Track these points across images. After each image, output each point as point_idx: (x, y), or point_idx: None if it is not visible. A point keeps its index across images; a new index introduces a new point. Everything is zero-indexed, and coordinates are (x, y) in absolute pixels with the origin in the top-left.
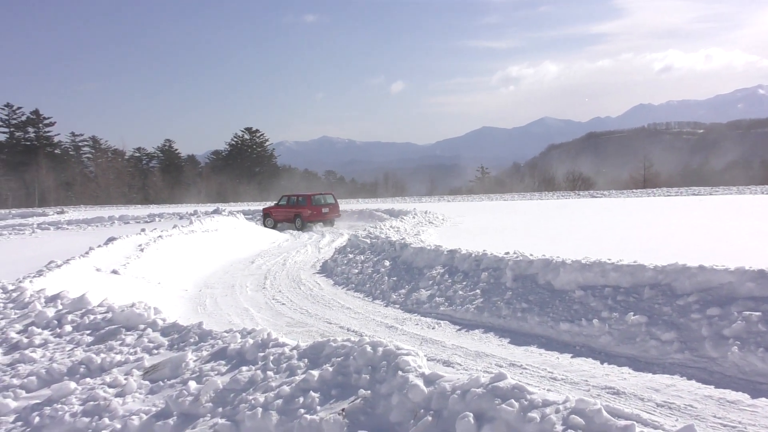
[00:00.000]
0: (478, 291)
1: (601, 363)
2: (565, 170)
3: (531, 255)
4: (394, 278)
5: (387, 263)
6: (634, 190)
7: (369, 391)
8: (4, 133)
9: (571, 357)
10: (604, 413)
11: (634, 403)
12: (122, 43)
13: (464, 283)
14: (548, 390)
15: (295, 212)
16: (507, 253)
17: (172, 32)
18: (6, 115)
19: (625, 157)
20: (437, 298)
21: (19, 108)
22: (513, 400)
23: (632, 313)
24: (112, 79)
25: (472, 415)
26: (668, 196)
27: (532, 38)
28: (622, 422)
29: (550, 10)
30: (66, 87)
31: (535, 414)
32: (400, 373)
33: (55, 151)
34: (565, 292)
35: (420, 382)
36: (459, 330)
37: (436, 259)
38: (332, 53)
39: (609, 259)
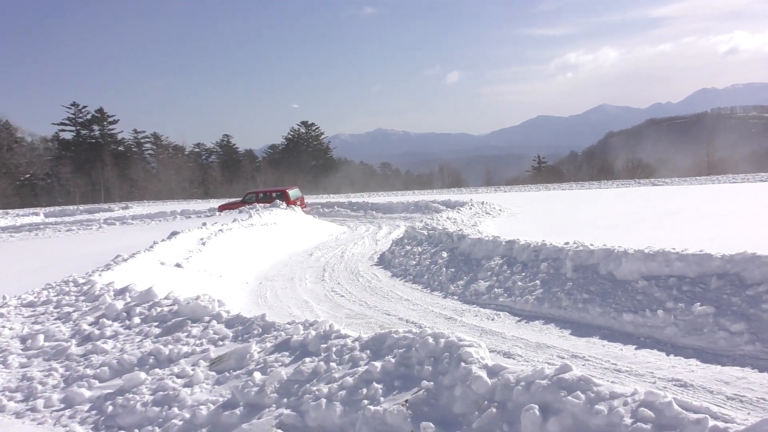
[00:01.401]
0: (537, 282)
1: (667, 355)
2: (625, 158)
3: (591, 245)
4: (452, 269)
5: (444, 254)
6: (698, 177)
7: (432, 383)
8: (71, 131)
9: (636, 348)
10: (675, 406)
11: (702, 396)
12: (182, 40)
13: (523, 273)
14: (612, 382)
15: None
16: (566, 243)
17: (230, 28)
18: (72, 114)
19: (687, 143)
20: (496, 289)
21: (84, 107)
22: (579, 392)
23: (699, 303)
24: (172, 75)
25: (537, 407)
26: (734, 182)
27: (590, 24)
28: (694, 415)
29: None
30: (128, 85)
31: (602, 406)
32: (462, 364)
33: (119, 148)
34: (628, 283)
35: (483, 374)
36: (519, 321)
37: (494, 249)
38: (389, 45)
39: (673, 249)
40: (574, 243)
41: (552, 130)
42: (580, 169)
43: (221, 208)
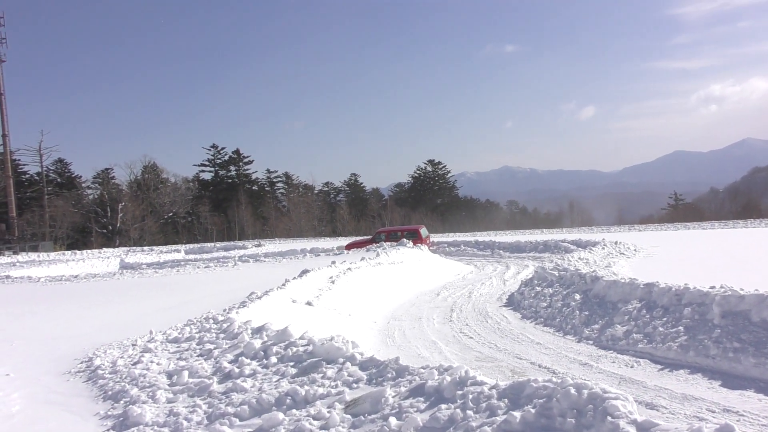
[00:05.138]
0: (680, 328)
1: None
2: None
3: (741, 289)
4: (586, 312)
5: (577, 297)
6: None
7: None
8: (209, 172)
9: None
10: None
11: None
12: (312, 86)
13: (664, 319)
14: None
15: None
16: (712, 287)
17: (361, 70)
18: (212, 155)
19: None
20: (634, 335)
21: (222, 148)
22: None
23: None
24: (303, 118)
25: None
26: None
27: (733, 55)
28: None
29: (752, 24)
30: (263, 126)
31: None
32: (609, 418)
33: (253, 188)
34: None
35: (632, 430)
36: (661, 369)
37: (632, 292)
38: (526, 82)
39: None
40: (721, 287)
41: (690, 166)
42: (722, 207)
43: (349, 247)
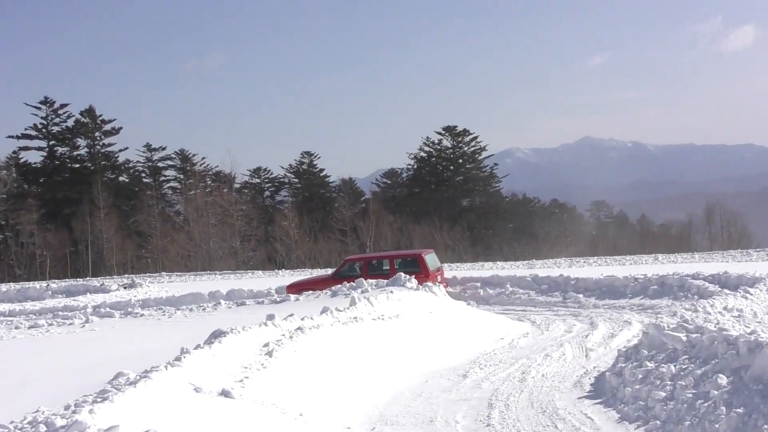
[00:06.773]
0: None
1: None
2: None
3: None
4: (739, 410)
5: (722, 380)
6: None
7: None
8: (40, 149)
9: None
10: None
11: None
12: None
13: None
14: None
15: None
16: None
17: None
18: (43, 119)
19: None
20: None
21: (64, 107)
22: None
23: None
24: (220, 51)
25: None
26: None
27: None
28: None
29: None
30: (140, 67)
31: None
32: None
33: (120, 179)
34: None
35: None
36: None
37: None
38: None
39: None
40: None
41: None
42: None
43: (292, 289)
